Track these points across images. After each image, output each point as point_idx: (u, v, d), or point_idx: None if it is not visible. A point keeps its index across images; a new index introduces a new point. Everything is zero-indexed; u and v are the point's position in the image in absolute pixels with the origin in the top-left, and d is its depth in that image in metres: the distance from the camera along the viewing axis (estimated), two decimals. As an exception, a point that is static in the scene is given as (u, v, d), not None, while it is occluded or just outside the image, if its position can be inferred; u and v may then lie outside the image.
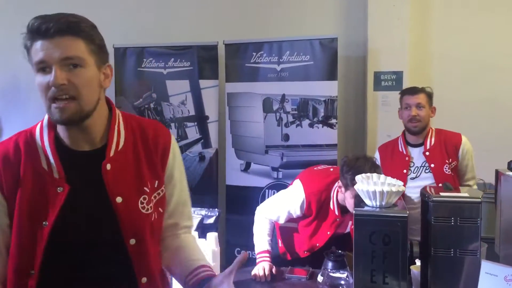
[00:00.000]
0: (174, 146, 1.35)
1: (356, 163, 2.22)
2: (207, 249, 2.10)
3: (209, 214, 2.75)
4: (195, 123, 3.84)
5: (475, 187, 2.88)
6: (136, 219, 1.24)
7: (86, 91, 1.15)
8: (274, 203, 2.50)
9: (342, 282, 2.04)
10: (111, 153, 1.24)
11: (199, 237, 2.28)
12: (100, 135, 1.25)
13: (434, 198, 1.66)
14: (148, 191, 1.27)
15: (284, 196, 2.50)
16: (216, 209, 2.85)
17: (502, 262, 1.78)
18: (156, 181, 1.29)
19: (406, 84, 3.74)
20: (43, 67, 1.12)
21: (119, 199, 1.21)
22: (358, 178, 1.78)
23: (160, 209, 1.31)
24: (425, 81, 3.87)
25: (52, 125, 1.24)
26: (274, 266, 2.34)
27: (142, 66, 3.95)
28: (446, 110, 3.88)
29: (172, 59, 3.83)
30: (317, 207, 2.39)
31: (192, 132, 3.84)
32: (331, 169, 2.58)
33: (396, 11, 3.75)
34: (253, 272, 2.30)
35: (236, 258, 1.19)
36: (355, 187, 1.77)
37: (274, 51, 3.70)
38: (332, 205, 2.39)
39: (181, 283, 1.33)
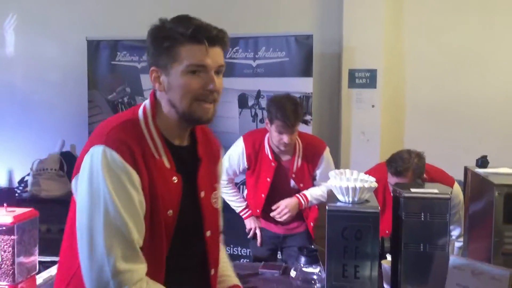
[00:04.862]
0: (221, 149, 1.52)
1: (281, 100, 2.53)
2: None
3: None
4: (170, 118, 3.81)
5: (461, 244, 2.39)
6: (212, 212, 1.37)
7: (220, 95, 1.29)
8: (226, 160, 2.74)
9: (315, 277, 2.06)
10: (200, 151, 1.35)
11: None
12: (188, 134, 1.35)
13: (405, 194, 1.69)
14: (217, 187, 1.41)
15: (230, 151, 2.76)
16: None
17: (470, 257, 1.82)
18: (217, 179, 1.44)
19: (380, 82, 3.80)
20: (195, 70, 1.21)
21: (202, 194, 1.32)
22: (331, 174, 1.80)
23: (219, 206, 1.43)
24: (398, 80, 3.95)
25: (156, 117, 1.27)
26: (258, 220, 2.78)
27: (116, 59, 3.90)
28: (418, 108, 3.97)
29: (147, 53, 3.79)
30: (254, 154, 2.66)
31: (167, 127, 3.81)
32: None
33: (371, 10, 3.80)
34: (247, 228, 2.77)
35: None
36: (328, 183, 1.79)
37: (250, 47, 3.70)
38: (266, 149, 2.65)
39: None
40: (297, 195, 2.67)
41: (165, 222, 1.21)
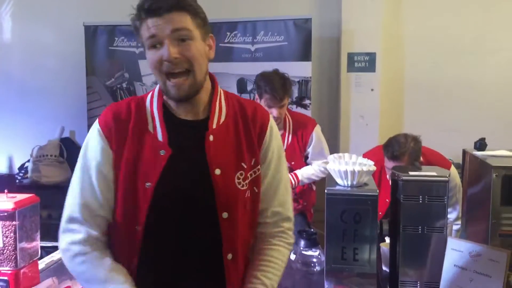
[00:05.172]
0: (273, 126, 1.38)
1: (269, 74, 2.59)
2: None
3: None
4: (169, 104, 3.81)
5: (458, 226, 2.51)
6: (231, 193, 1.26)
7: (197, 62, 1.21)
8: None
9: (314, 259, 2.08)
10: (213, 125, 1.27)
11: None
12: (203, 107, 1.30)
13: (403, 177, 1.69)
14: (245, 167, 1.29)
15: None
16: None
17: (468, 239, 1.84)
18: (253, 159, 1.31)
19: (379, 66, 3.78)
20: (154, 43, 1.18)
21: (217, 171, 1.24)
22: (330, 158, 1.81)
23: (255, 188, 1.32)
24: (397, 63, 3.93)
25: (161, 93, 1.28)
26: None
27: (114, 45, 3.88)
28: (417, 92, 3.96)
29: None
30: None
31: (166, 113, 3.81)
32: None
33: (369, -8, 3.76)
34: None
35: None
36: (328, 167, 1.80)
37: (248, 31, 3.68)
38: None
39: None
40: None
41: (142, 194, 1.22)
